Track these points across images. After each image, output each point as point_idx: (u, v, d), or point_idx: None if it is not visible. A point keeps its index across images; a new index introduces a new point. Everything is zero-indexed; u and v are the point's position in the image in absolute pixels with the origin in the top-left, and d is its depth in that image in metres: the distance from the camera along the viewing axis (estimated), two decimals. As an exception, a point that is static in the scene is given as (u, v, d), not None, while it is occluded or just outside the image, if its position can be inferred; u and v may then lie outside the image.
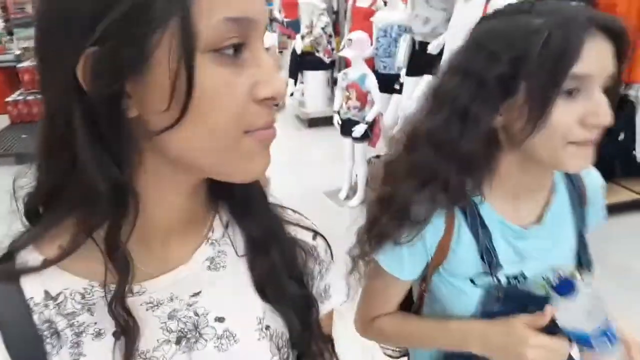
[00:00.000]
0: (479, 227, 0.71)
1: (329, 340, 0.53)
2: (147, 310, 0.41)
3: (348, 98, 2.90)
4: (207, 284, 0.45)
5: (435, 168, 0.68)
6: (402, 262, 0.73)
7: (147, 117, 0.36)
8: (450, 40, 2.26)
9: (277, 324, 0.48)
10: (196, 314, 0.44)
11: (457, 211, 0.71)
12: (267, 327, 0.47)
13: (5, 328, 0.38)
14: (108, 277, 0.39)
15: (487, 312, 0.72)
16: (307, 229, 0.53)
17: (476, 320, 0.72)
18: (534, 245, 0.74)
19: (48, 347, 0.38)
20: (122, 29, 0.32)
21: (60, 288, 0.40)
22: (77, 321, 0.40)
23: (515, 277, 0.74)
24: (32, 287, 0.39)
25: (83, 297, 0.40)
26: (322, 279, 0.54)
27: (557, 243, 0.76)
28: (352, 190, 3.15)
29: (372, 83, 2.84)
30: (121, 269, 0.39)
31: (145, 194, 0.39)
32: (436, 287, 0.76)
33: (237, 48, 0.35)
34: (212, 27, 0.33)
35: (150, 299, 0.42)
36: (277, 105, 0.38)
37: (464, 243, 0.71)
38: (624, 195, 2.90)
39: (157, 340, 0.42)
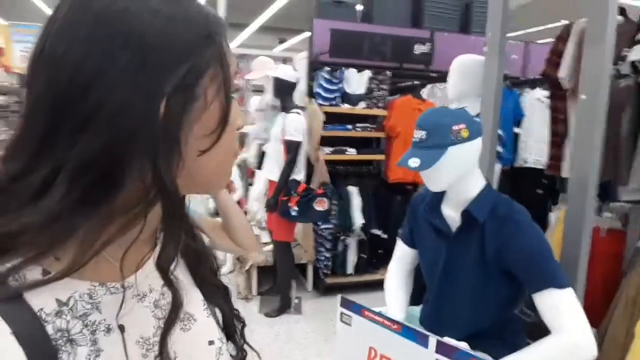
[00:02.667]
0: None
1: (243, 322, 0.62)
2: (137, 302, 0.46)
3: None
4: None
5: None
6: None
7: (190, 141, 0.43)
8: (274, 141, 3.28)
9: (212, 308, 0.57)
10: (168, 302, 0.48)
11: None
12: (208, 308, 0.56)
13: (27, 347, 0.36)
14: (108, 276, 0.44)
15: None
16: (202, 231, 0.63)
17: None
18: None
19: (64, 356, 0.39)
20: (190, 77, 0.41)
21: (69, 293, 0.41)
22: (90, 320, 0.42)
23: None
24: (40, 299, 0.39)
25: (90, 297, 0.43)
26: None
27: None
28: (223, 261, 3.89)
29: (234, 174, 3.60)
30: (176, 294, 0.45)
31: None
32: None
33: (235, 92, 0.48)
34: (231, 76, 0.46)
35: (137, 292, 0.46)
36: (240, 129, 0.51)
37: None
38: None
39: (153, 326, 0.47)
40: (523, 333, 1.42)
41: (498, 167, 2.16)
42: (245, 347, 0.62)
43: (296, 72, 3.26)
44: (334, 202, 3.37)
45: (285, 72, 3.15)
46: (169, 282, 0.44)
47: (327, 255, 3.55)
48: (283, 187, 3.08)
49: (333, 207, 3.35)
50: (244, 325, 0.62)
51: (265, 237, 3.80)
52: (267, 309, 3.34)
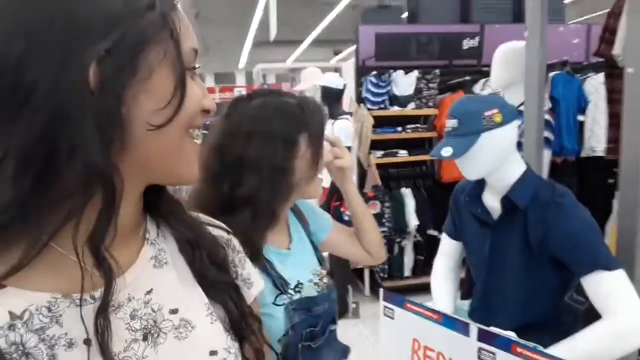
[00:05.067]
0: (264, 261, 0.90)
1: (259, 320, 0.58)
2: (110, 313, 0.42)
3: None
4: (156, 281, 0.48)
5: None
6: None
7: (136, 116, 0.40)
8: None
9: (219, 310, 0.52)
10: (153, 310, 0.46)
11: None
12: (213, 313, 0.51)
13: None
14: (69, 287, 0.40)
15: (293, 326, 0.89)
16: (221, 227, 0.60)
17: None
18: (296, 259, 0.98)
19: None
20: (124, 45, 0.39)
21: (24, 305, 0.39)
22: (48, 335, 0.39)
23: (297, 286, 0.95)
24: None
25: (49, 310, 0.40)
26: (243, 268, 0.60)
27: (305, 252, 1.03)
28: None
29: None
30: (107, 273, 0.40)
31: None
32: None
33: (194, 69, 0.46)
34: (187, 52, 0.44)
35: (112, 302, 0.42)
36: (210, 115, 0.49)
37: None
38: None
39: (126, 340, 0.44)
40: (581, 322, 1.34)
41: (547, 154, 2.06)
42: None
43: (342, 79, 3.32)
44: (386, 204, 3.36)
45: (331, 80, 3.22)
46: (99, 261, 0.40)
47: (384, 258, 3.53)
48: (334, 193, 3.13)
49: (386, 209, 3.34)
50: (260, 323, 0.57)
51: (322, 243, 3.85)
52: (325, 314, 3.37)
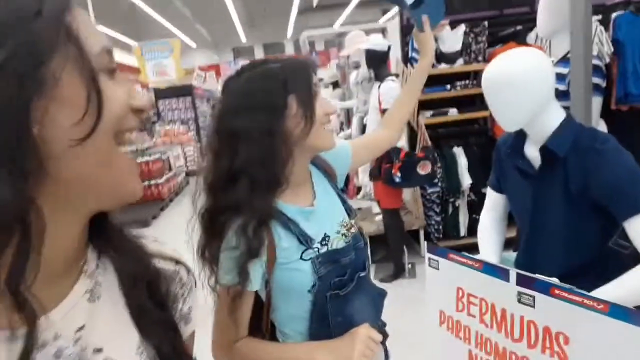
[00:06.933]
0: (287, 221, 0.94)
1: (190, 358, 0.55)
2: (36, 351, 0.39)
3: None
4: (88, 317, 0.45)
5: (244, 201, 0.89)
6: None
7: (53, 134, 0.37)
8: (372, 112, 3.34)
9: (150, 349, 0.49)
10: (82, 349, 0.44)
11: None
12: (144, 352, 0.49)
13: None
14: (3, 322, 0.38)
15: (320, 277, 0.95)
16: (170, 258, 0.56)
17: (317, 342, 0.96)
18: (321, 214, 1.01)
19: None
20: (18, 58, 0.35)
21: None
22: None
23: (323, 239, 0.99)
24: None
25: None
26: (184, 302, 0.57)
27: (331, 206, 1.06)
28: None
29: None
30: (28, 316, 0.38)
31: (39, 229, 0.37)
32: (278, 278, 0.95)
33: (113, 71, 0.43)
34: (97, 53, 0.40)
35: (37, 339, 0.39)
36: (143, 115, 0.45)
37: (284, 237, 0.94)
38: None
39: None
40: (626, 267, 1.33)
41: (597, 101, 1.96)
42: None
43: (385, 40, 3.30)
44: (438, 164, 3.36)
45: (375, 43, 3.21)
46: (19, 302, 0.37)
47: (437, 219, 3.55)
48: (384, 155, 3.17)
49: (437, 169, 3.34)
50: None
51: (376, 208, 3.93)
52: (382, 275, 3.49)
